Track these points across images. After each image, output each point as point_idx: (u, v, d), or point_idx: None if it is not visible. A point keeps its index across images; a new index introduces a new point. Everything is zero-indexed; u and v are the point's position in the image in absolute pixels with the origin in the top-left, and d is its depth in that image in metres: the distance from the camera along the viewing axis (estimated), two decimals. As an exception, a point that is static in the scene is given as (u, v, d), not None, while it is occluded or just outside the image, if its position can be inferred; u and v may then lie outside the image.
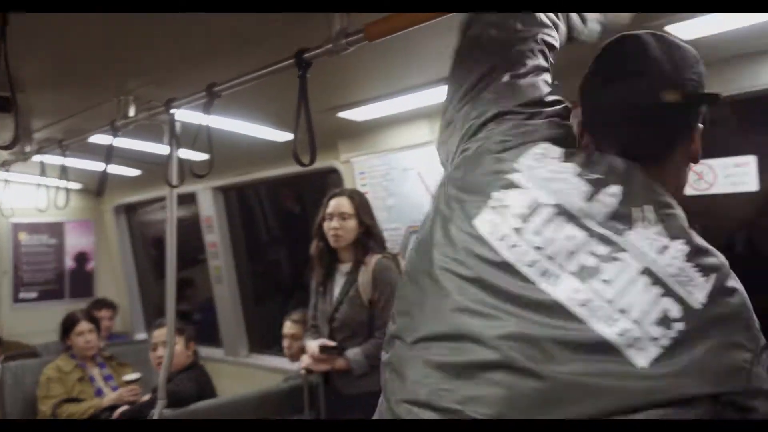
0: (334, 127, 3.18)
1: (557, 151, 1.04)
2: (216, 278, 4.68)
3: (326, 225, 2.76)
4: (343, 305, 2.72)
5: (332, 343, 2.66)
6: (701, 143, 1.10)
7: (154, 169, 3.77)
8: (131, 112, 2.62)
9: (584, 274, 0.93)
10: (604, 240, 0.96)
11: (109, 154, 2.79)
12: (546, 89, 1.17)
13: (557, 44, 1.26)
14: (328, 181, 3.83)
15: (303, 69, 1.80)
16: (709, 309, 0.92)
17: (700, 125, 1.09)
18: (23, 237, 5.50)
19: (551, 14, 1.25)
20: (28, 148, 3.30)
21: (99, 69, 2.36)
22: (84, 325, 3.78)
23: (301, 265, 4.41)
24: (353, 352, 2.63)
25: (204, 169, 2.27)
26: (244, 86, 2.05)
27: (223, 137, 3.08)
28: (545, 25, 1.22)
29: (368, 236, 2.76)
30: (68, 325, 3.80)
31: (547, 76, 1.21)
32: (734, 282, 0.97)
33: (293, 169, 3.18)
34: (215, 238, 4.61)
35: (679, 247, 0.96)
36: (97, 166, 3.67)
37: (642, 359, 0.88)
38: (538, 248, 0.96)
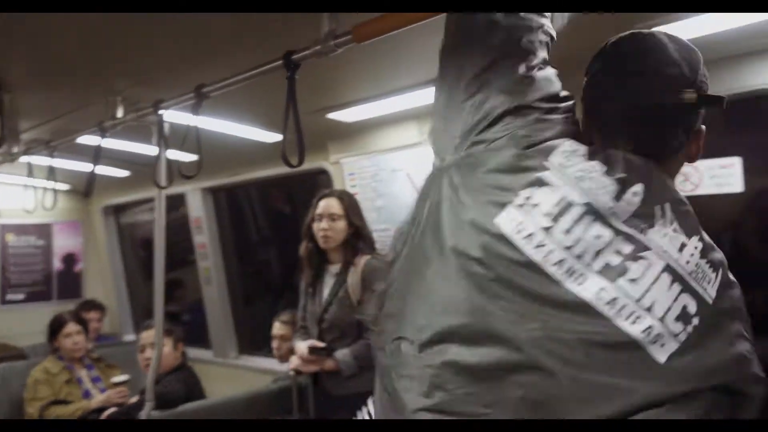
0: (323, 128, 3.18)
1: (583, 148, 1.03)
2: (205, 279, 4.66)
3: (315, 226, 2.76)
4: (332, 306, 2.72)
5: (321, 344, 2.67)
6: (702, 144, 1.12)
7: (142, 170, 3.76)
8: (119, 113, 2.61)
9: (610, 273, 0.94)
10: (629, 238, 0.97)
11: (97, 155, 2.78)
12: (559, 83, 1.12)
13: (554, 36, 1.24)
14: (318, 182, 3.83)
15: (291, 70, 1.80)
16: (719, 303, 0.97)
17: (703, 126, 1.11)
18: (10, 238, 5.45)
19: None
20: (15, 149, 3.27)
21: (87, 70, 2.35)
22: (72, 327, 3.76)
23: (291, 266, 4.40)
24: (342, 353, 2.63)
25: (193, 170, 2.26)
26: (232, 87, 2.05)
27: (212, 138, 3.07)
28: (544, 16, 1.19)
29: (358, 237, 2.77)
30: (56, 327, 3.77)
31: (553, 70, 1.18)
32: (732, 275, 1.02)
33: (283, 169, 3.18)
34: (204, 238, 4.59)
35: (695, 244, 0.99)
36: (85, 167, 3.65)
37: (662, 355, 0.91)
38: (567, 248, 0.95)
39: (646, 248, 0.96)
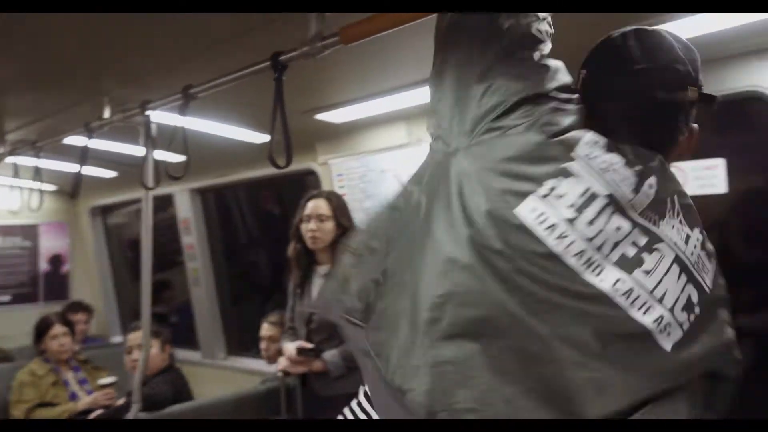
0: (311, 129, 3.18)
1: (603, 140, 1.03)
2: (193, 280, 4.65)
3: (304, 227, 2.76)
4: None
5: (309, 345, 2.66)
6: (696, 142, 1.14)
7: (130, 170, 3.74)
8: (106, 114, 2.61)
9: (627, 264, 0.96)
10: (645, 230, 0.99)
11: (83, 155, 2.77)
12: (569, 74, 1.12)
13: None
14: (307, 183, 3.83)
15: (279, 72, 1.80)
16: (714, 292, 1.01)
17: (695, 124, 1.13)
18: (-4, 239, 5.42)
19: None
20: (0, 150, 3.26)
21: (73, 70, 2.34)
22: (58, 329, 3.73)
23: (280, 267, 4.40)
24: (330, 354, 2.63)
25: (180, 171, 2.26)
26: (220, 88, 2.05)
27: (200, 139, 3.07)
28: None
29: (346, 238, 2.77)
30: (42, 329, 3.75)
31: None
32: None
33: (272, 170, 3.19)
34: (192, 239, 4.58)
35: (697, 236, 1.03)
36: (72, 167, 3.63)
37: (668, 343, 0.94)
38: (589, 239, 0.96)
39: (660, 240, 0.99)
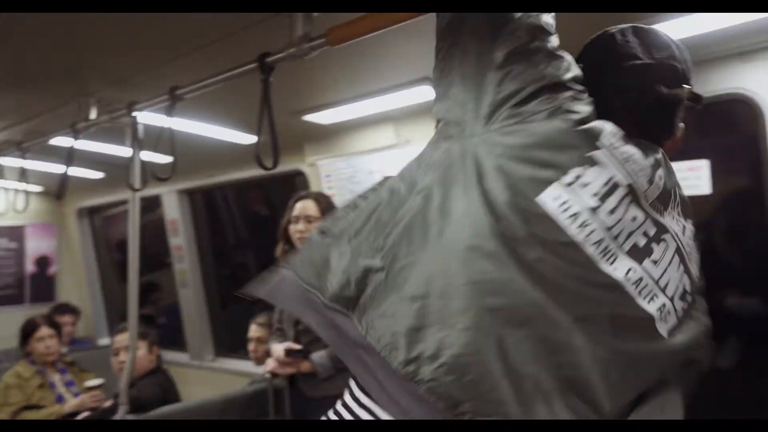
0: (300, 130, 3.18)
1: (620, 131, 1.03)
2: (181, 282, 4.63)
3: (292, 228, 2.76)
4: (309, 308, 2.72)
5: (298, 347, 2.66)
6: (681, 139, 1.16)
7: (117, 171, 3.73)
8: (93, 115, 2.59)
9: (637, 254, 0.98)
10: (654, 221, 1.01)
11: (69, 156, 2.75)
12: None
13: None
14: (296, 184, 3.83)
15: (266, 73, 1.80)
16: (699, 280, 1.05)
17: (681, 124, 1.16)
18: (-18, 241, 5.37)
19: None
20: (-15, 151, 3.24)
21: (60, 71, 2.32)
22: (44, 331, 3.70)
23: (268, 268, 4.39)
24: (319, 355, 2.63)
25: (167, 172, 2.25)
26: (207, 89, 2.04)
27: (188, 140, 3.06)
28: None
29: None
30: (28, 331, 3.71)
31: None
32: None
33: (260, 171, 3.20)
34: (180, 241, 4.56)
35: (690, 227, 1.07)
36: (58, 168, 3.61)
37: (664, 330, 0.97)
38: (608, 228, 0.96)
39: (666, 231, 1.02)
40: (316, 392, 2.65)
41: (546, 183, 0.95)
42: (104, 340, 5.40)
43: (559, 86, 1.03)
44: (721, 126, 2.40)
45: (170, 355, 4.56)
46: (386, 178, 1.15)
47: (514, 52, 1.03)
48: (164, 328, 5.21)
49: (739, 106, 2.19)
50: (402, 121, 3.04)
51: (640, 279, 0.96)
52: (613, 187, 0.98)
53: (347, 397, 1.05)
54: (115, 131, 2.68)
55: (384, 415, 0.96)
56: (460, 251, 0.94)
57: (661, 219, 1.02)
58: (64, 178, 2.83)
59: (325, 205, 2.80)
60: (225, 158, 3.76)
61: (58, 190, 2.82)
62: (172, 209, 4.54)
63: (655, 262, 0.98)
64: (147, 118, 2.48)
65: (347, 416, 1.03)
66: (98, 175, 4.41)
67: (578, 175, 0.96)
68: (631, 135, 1.04)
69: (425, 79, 2.49)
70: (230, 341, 4.64)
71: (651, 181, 1.01)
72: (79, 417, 3.32)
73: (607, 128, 1.01)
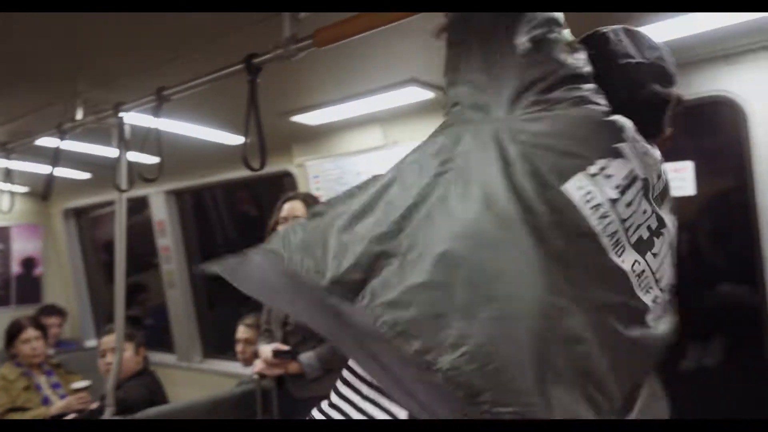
0: (288, 131, 3.18)
1: (633, 126, 1.05)
2: (169, 283, 4.61)
3: (280, 228, 2.76)
4: (297, 309, 2.72)
5: (286, 348, 2.66)
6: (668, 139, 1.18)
7: (103, 172, 3.71)
8: (79, 115, 2.58)
9: (641, 246, 1.00)
10: (656, 215, 1.03)
11: (56, 157, 2.73)
12: None
13: None
14: (284, 184, 3.82)
15: (253, 74, 1.80)
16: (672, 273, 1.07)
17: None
18: (-33, 242, 5.32)
19: None
20: (-29, 151, 3.21)
21: (45, 71, 2.31)
22: (30, 332, 3.68)
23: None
24: (307, 356, 2.63)
25: (154, 173, 2.24)
26: (194, 90, 2.04)
27: (176, 141, 3.05)
28: None
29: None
30: (13, 332, 3.69)
31: None
32: None
33: (248, 172, 3.20)
34: (168, 242, 4.54)
35: (675, 222, 1.08)
36: (44, 169, 3.59)
37: (652, 320, 0.99)
38: (623, 220, 0.98)
39: (665, 225, 1.04)
40: (304, 393, 2.65)
41: (571, 172, 0.95)
42: (91, 342, 5.37)
43: (580, 77, 1.02)
44: (706, 128, 2.43)
45: (158, 357, 4.54)
46: (402, 164, 1.08)
47: (535, 39, 1.02)
48: (152, 329, 5.19)
49: (724, 109, 2.22)
50: (390, 122, 3.05)
51: (643, 271, 0.99)
52: (632, 181, 0.99)
53: (340, 393, 1.00)
54: (102, 132, 2.67)
55: (393, 407, 0.93)
56: (488, 240, 0.92)
57: (659, 212, 1.04)
58: (50, 178, 2.81)
59: (313, 205, 2.80)
60: (213, 159, 3.75)
61: (43, 191, 2.80)
62: (160, 210, 4.52)
63: (654, 255, 1.01)
64: (134, 118, 2.47)
65: (336, 415, 0.98)
66: (85, 175, 4.38)
67: (603, 167, 0.96)
68: None
69: (412, 80, 2.50)
70: (218, 342, 4.63)
71: (659, 176, 1.05)
72: (66, 419, 3.30)
73: (627, 123, 1.03)
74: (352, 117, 2.96)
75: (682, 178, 2.24)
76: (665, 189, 1.07)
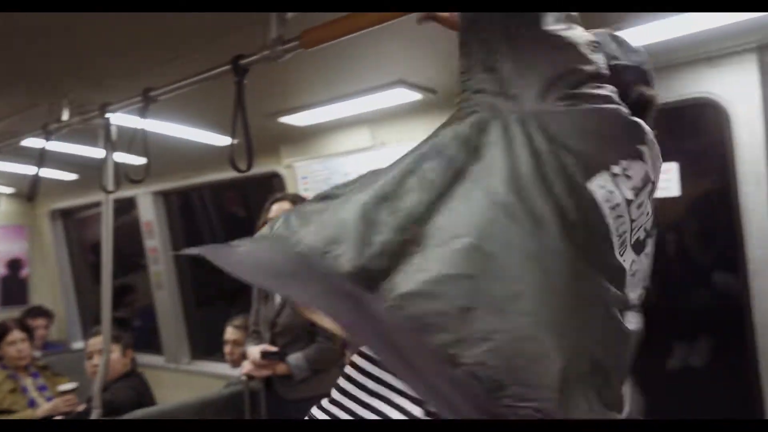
0: (276, 132, 3.18)
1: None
2: (156, 284, 4.59)
3: (267, 230, 2.75)
4: (285, 310, 2.71)
5: (274, 349, 2.66)
6: None
7: (90, 173, 3.69)
8: (65, 116, 2.56)
9: (638, 247, 1.01)
10: (651, 216, 1.05)
11: (41, 158, 2.72)
12: None
13: None
14: (273, 185, 3.82)
15: (240, 75, 1.80)
16: None
17: None
18: (-49, 243, 5.28)
19: None
20: (-45, 152, 3.18)
21: (31, 71, 2.30)
22: (16, 334, 3.65)
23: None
24: (295, 357, 2.63)
25: (141, 174, 2.24)
26: (181, 91, 2.04)
27: (163, 141, 3.04)
28: None
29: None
30: (-1, 335, 3.66)
31: None
32: None
33: (236, 173, 3.20)
34: (156, 243, 4.53)
35: (651, 221, 1.09)
36: (30, 170, 3.56)
37: (631, 317, 1.01)
38: (633, 221, 0.98)
39: (654, 225, 1.06)
40: (292, 394, 2.65)
41: (596, 170, 0.94)
42: (78, 344, 5.34)
43: (602, 77, 1.01)
44: (690, 129, 2.45)
45: (146, 358, 4.53)
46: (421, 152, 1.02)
47: (562, 33, 1.00)
48: (139, 330, 5.16)
49: (707, 110, 2.24)
50: (377, 123, 3.05)
51: (637, 270, 1.01)
52: (645, 183, 1.00)
53: (343, 390, 0.96)
54: (89, 132, 2.66)
55: (405, 402, 0.89)
56: (516, 233, 0.90)
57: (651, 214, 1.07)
58: (36, 179, 2.79)
59: (302, 206, 2.80)
60: (201, 160, 3.74)
61: (29, 192, 2.79)
62: (147, 211, 4.51)
63: (646, 256, 1.03)
64: (120, 119, 2.46)
65: (339, 412, 0.94)
66: (71, 176, 4.36)
67: (625, 168, 0.96)
68: None
69: (400, 81, 2.51)
70: (206, 344, 4.62)
71: (658, 179, 1.06)
72: (52, 422, 3.28)
73: (646, 125, 1.03)
74: (340, 118, 2.97)
75: (667, 179, 2.26)
76: (653, 191, 1.08)
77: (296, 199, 2.83)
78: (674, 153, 2.32)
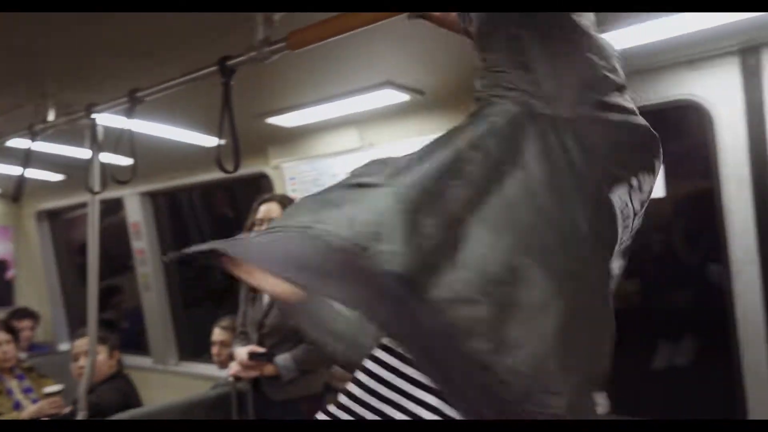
0: (263, 133, 3.17)
1: None
2: (144, 285, 4.57)
3: (256, 230, 2.75)
4: (273, 311, 2.71)
5: (261, 350, 2.65)
6: None
7: (77, 173, 3.67)
8: (50, 117, 2.55)
9: (623, 252, 1.03)
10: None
11: (26, 158, 2.70)
12: None
13: None
14: (261, 185, 3.81)
15: (226, 76, 1.80)
16: None
17: None
18: (-64, 244, 5.23)
19: None
20: (-61, 152, 3.15)
21: (16, 72, 2.28)
22: (1, 336, 3.63)
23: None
24: (282, 358, 2.63)
25: (127, 175, 2.23)
26: (167, 92, 2.03)
27: (151, 142, 3.03)
28: None
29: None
30: (-17, 337, 3.63)
31: None
32: None
33: (224, 174, 3.20)
34: (143, 244, 4.51)
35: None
36: (15, 170, 3.54)
37: None
38: (631, 231, 1.00)
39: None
40: (279, 395, 2.65)
41: (618, 182, 0.94)
42: (64, 345, 5.30)
43: (625, 89, 1.00)
44: (673, 131, 2.48)
45: (133, 360, 4.51)
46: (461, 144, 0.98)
47: (594, 36, 0.98)
48: (127, 332, 5.14)
49: (691, 112, 2.26)
50: (365, 124, 3.06)
51: (618, 274, 1.03)
52: (649, 195, 1.01)
53: (352, 395, 0.93)
54: (75, 133, 2.64)
55: (421, 410, 0.88)
56: (555, 241, 0.89)
57: None
58: (21, 180, 2.78)
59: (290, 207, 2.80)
60: (188, 160, 3.73)
61: (14, 193, 2.77)
62: (135, 212, 4.49)
63: (624, 261, 1.04)
64: (107, 119, 2.45)
65: (346, 417, 0.91)
66: (58, 177, 4.33)
67: (641, 181, 0.97)
68: None
69: (388, 82, 2.51)
70: (194, 345, 4.60)
71: None
72: (38, 424, 3.26)
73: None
74: (328, 119, 2.97)
75: (651, 180, 2.28)
76: None
77: (284, 200, 2.83)
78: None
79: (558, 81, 0.94)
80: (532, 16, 0.96)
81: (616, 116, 0.95)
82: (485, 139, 0.93)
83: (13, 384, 3.64)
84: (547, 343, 0.85)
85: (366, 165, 1.02)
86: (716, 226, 2.23)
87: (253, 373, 2.68)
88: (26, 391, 3.67)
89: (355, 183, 0.96)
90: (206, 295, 5.30)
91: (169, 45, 2.02)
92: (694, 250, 2.70)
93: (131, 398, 3.20)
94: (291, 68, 2.27)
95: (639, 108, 1.06)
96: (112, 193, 4.06)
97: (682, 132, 2.50)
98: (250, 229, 2.77)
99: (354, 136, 3.09)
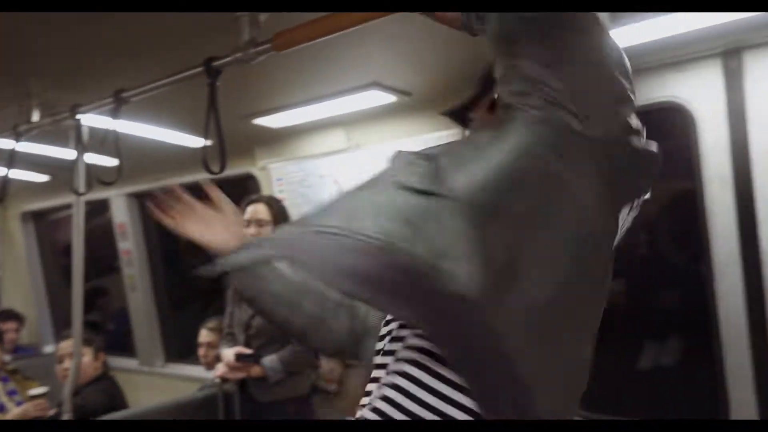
0: (250, 134, 3.17)
1: None
2: (130, 287, 4.55)
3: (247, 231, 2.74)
4: (259, 312, 2.71)
5: (248, 351, 2.65)
6: None
7: (63, 174, 3.64)
8: (35, 117, 2.53)
9: None
10: None
11: (11, 159, 2.68)
12: None
13: None
14: (248, 187, 3.81)
15: (212, 77, 1.80)
16: None
17: None
18: None
19: None
20: None
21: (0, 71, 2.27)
22: (-15, 338, 3.60)
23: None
24: (269, 359, 2.63)
25: (113, 176, 2.22)
26: (153, 92, 2.03)
27: (137, 143, 3.02)
28: None
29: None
30: (-33, 339, 3.60)
31: None
32: None
33: (211, 174, 3.19)
34: (129, 245, 4.49)
35: None
36: (0, 171, 3.51)
37: None
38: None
39: None
40: (266, 396, 2.65)
41: (626, 201, 0.93)
42: (49, 347, 5.26)
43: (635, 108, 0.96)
44: (656, 132, 2.49)
45: (119, 361, 4.48)
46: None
47: (622, 59, 0.93)
48: (113, 333, 5.11)
49: (673, 114, 2.29)
50: (352, 125, 3.07)
51: None
52: (638, 212, 1.00)
53: (379, 403, 0.90)
54: (60, 133, 2.63)
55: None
56: (588, 266, 0.90)
57: None
58: (5, 181, 2.75)
59: (277, 208, 2.80)
60: (175, 161, 3.71)
61: (-2, 194, 2.75)
62: (121, 213, 4.46)
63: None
64: (92, 120, 2.44)
65: (426, 412, 0.87)
66: (43, 178, 4.30)
67: (640, 202, 0.96)
68: None
69: (375, 83, 2.52)
70: (180, 346, 4.58)
71: None
72: (22, 427, 3.23)
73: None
74: (315, 119, 2.97)
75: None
76: None
77: (271, 201, 2.83)
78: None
79: (590, 98, 0.90)
80: (560, 21, 0.90)
81: (635, 140, 0.91)
82: (535, 144, 0.89)
83: (-3, 386, 3.61)
84: (577, 366, 0.90)
85: (406, 161, 0.95)
86: (699, 227, 2.25)
87: (240, 375, 2.68)
88: (11, 393, 3.64)
89: (409, 186, 0.88)
90: (193, 296, 5.28)
91: (154, 45, 2.02)
92: (680, 250, 2.73)
93: (117, 400, 3.18)
94: (278, 69, 2.27)
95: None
96: (98, 195, 4.04)
97: (665, 133, 2.52)
98: (237, 230, 2.76)
99: (341, 137, 3.10)
